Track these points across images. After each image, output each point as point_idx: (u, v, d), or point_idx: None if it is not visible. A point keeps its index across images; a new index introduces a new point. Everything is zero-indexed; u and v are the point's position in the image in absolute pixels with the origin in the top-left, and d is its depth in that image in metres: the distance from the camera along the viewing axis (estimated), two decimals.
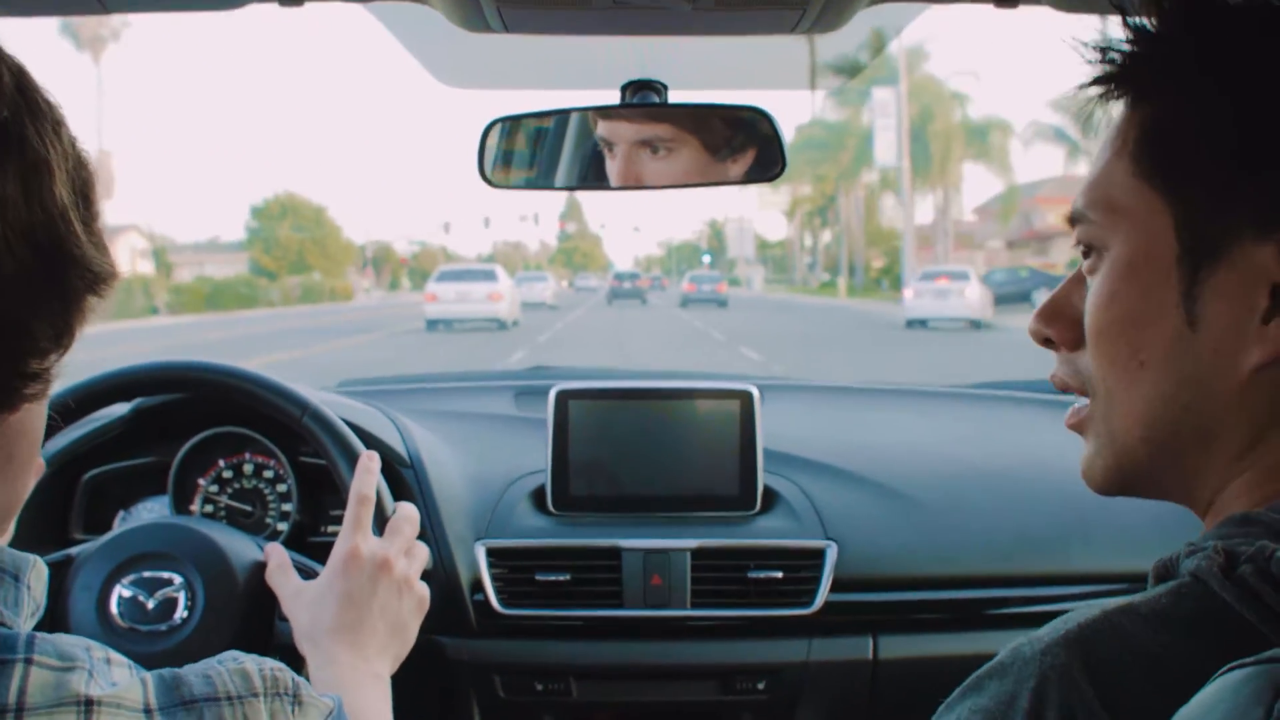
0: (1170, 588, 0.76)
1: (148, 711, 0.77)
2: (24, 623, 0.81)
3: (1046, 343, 0.94)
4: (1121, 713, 0.70)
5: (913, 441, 2.41)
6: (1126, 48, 0.85)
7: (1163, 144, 0.83)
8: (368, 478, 1.50)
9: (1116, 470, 0.89)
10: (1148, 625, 0.73)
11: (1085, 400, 0.91)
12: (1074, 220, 0.90)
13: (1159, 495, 0.90)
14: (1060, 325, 0.92)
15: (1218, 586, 0.73)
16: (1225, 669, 0.64)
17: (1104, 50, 0.85)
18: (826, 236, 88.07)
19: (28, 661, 0.74)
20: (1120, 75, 0.86)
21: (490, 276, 35.08)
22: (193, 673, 0.82)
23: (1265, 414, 0.80)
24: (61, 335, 0.79)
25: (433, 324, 33.20)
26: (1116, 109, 0.87)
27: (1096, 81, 0.87)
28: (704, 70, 1.72)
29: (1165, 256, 0.82)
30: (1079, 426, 0.92)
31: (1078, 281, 0.91)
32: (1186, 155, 0.82)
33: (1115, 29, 0.85)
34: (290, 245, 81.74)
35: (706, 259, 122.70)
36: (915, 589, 2.04)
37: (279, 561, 1.56)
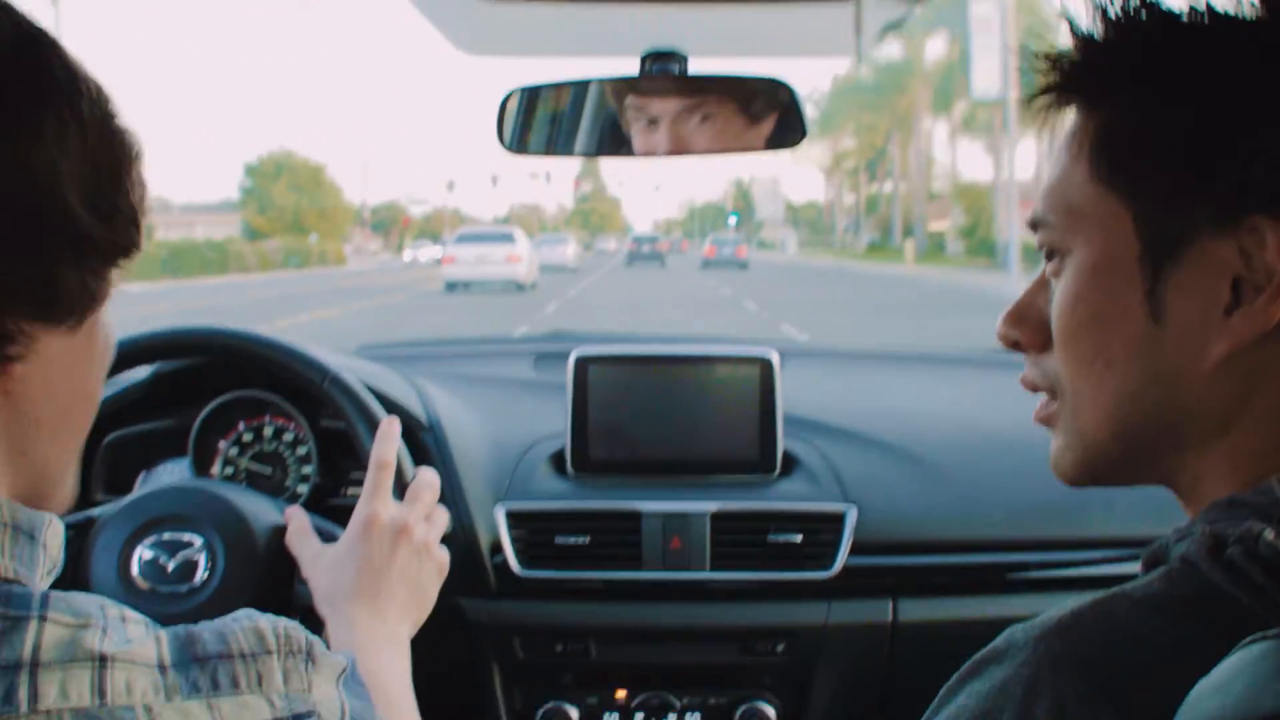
0: (1161, 573, 0.77)
1: (161, 668, 0.77)
2: (40, 580, 0.82)
3: (1014, 346, 0.96)
4: (1117, 697, 0.71)
5: (932, 406, 2.41)
6: (1075, 56, 0.86)
7: (1117, 147, 0.84)
8: (388, 443, 1.51)
9: (1087, 464, 0.91)
10: (1140, 610, 0.74)
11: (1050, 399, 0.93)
12: (1035, 225, 0.91)
13: (1133, 484, 0.92)
14: (1027, 329, 0.94)
15: (1207, 569, 0.74)
16: (1247, 641, 0.65)
17: (1053, 60, 0.87)
18: (875, 192, 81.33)
19: (42, 619, 0.74)
20: (1070, 83, 0.87)
21: (508, 239, 35.36)
22: (207, 630, 0.82)
23: (1233, 403, 0.82)
24: (43, 300, 0.81)
25: (451, 286, 33.73)
26: (1069, 114, 0.89)
27: (1048, 90, 0.88)
28: (727, 37, 1.71)
29: (1127, 257, 0.83)
30: (1047, 421, 0.94)
31: (1042, 285, 0.93)
32: (1141, 157, 0.83)
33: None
34: (286, 206, 79.16)
35: (733, 220, 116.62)
36: (934, 553, 2.04)
37: (299, 525, 1.57)
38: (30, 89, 0.78)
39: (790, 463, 2.12)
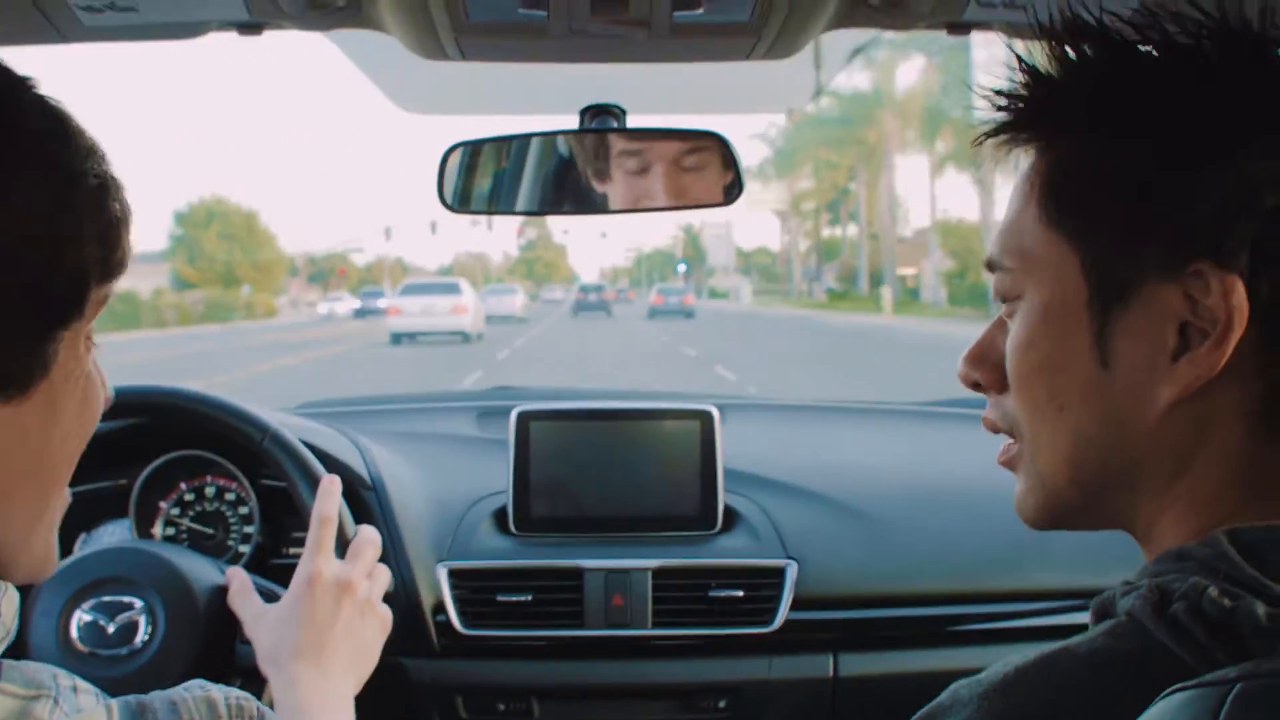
0: (1107, 627, 0.76)
1: None
2: None
3: (975, 386, 0.95)
4: None
5: (871, 460, 2.43)
6: (1027, 95, 0.86)
7: (1066, 190, 0.84)
8: (329, 500, 1.50)
9: (1049, 509, 0.90)
10: (1084, 667, 0.74)
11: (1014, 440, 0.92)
12: (990, 267, 0.91)
13: (1094, 528, 0.91)
14: (985, 369, 0.93)
15: (1152, 626, 0.73)
16: (1168, 691, 0.65)
17: (1008, 97, 0.87)
18: (837, 236, 76.72)
19: None
20: (1022, 123, 0.87)
21: (454, 290, 35.42)
22: (159, 700, 0.82)
23: (1184, 450, 0.81)
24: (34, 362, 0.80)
25: (397, 337, 33.40)
26: (1023, 156, 0.89)
27: (1001, 130, 0.88)
28: (664, 94, 1.73)
29: (1076, 300, 0.83)
30: (1009, 464, 0.93)
31: (1000, 326, 0.92)
32: (1089, 200, 0.82)
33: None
34: (217, 255, 74.48)
35: (682, 268, 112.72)
36: (875, 607, 2.05)
37: (241, 584, 1.56)
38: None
39: (731, 518, 2.12)
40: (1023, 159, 0.89)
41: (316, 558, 1.45)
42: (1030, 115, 0.86)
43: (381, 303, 54.64)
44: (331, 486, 1.53)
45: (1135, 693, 0.70)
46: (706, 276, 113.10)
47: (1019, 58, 0.85)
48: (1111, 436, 0.83)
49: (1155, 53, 0.83)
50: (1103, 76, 0.83)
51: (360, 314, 58.48)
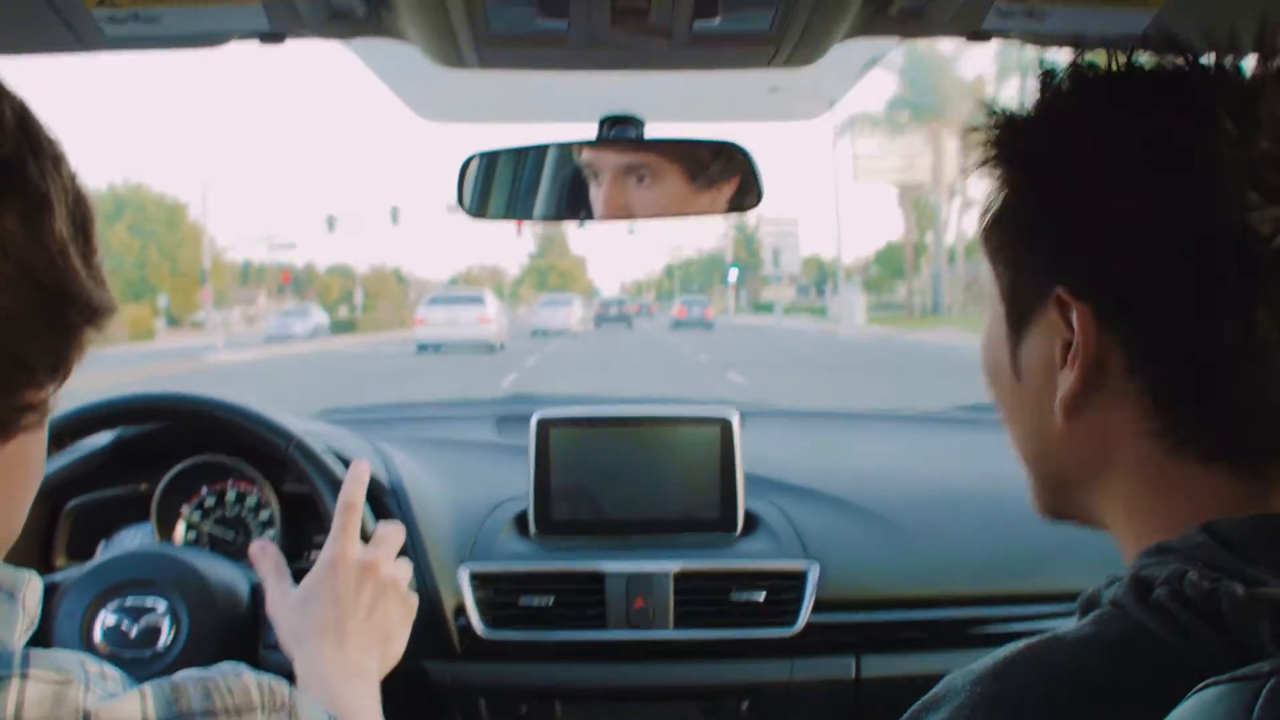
0: (1093, 617, 0.80)
1: None
2: (18, 639, 0.81)
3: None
4: None
5: (891, 464, 2.43)
6: (990, 133, 0.90)
7: (993, 221, 0.91)
8: (357, 485, 1.50)
9: (1040, 501, 0.96)
10: (1072, 653, 0.77)
11: None
12: None
13: (1085, 524, 0.95)
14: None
15: (1135, 611, 0.76)
16: (1200, 686, 0.66)
17: (976, 130, 0.91)
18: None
19: (24, 676, 0.73)
20: (988, 159, 0.91)
21: (478, 301, 36.31)
22: (192, 682, 0.82)
23: (1094, 460, 0.87)
24: (58, 368, 0.79)
25: (423, 347, 34.44)
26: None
27: (979, 163, 0.92)
28: (683, 103, 1.74)
29: (1001, 319, 0.91)
30: None
31: None
32: (1000, 229, 0.90)
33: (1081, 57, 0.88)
34: (126, 256, 59.17)
35: (734, 273, 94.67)
36: (896, 609, 2.05)
37: (275, 562, 1.54)
38: (38, 161, 0.76)
39: (752, 521, 2.13)
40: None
41: (342, 539, 1.45)
42: (993, 154, 0.91)
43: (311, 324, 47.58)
44: (359, 471, 1.53)
45: (1122, 674, 0.74)
46: (761, 286, 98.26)
47: (981, 100, 0.92)
48: (1039, 442, 0.91)
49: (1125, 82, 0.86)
50: (1027, 117, 0.89)
51: (273, 340, 45.32)
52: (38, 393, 0.78)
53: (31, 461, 0.84)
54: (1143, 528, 0.84)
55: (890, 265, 76.91)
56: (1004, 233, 0.90)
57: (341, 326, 56.88)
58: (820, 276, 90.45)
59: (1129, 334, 0.82)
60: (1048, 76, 0.88)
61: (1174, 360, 0.81)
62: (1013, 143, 0.89)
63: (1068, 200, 0.84)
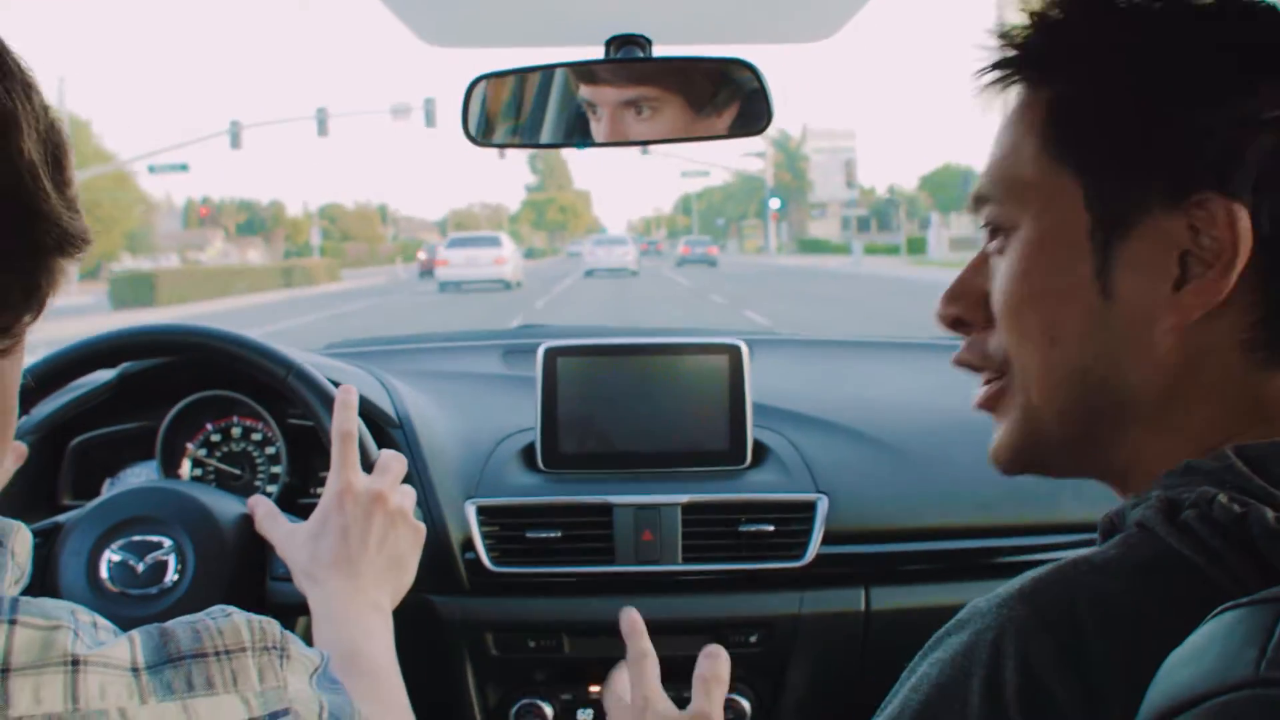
0: (1119, 539, 0.79)
1: (135, 670, 0.76)
2: (7, 588, 0.80)
3: (955, 324, 0.97)
4: (1078, 658, 0.72)
5: (901, 394, 2.42)
6: (1028, 33, 0.88)
7: (1070, 123, 0.86)
8: (347, 413, 1.50)
9: (1027, 448, 0.93)
10: (1100, 575, 0.76)
11: (990, 381, 0.95)
12: (979, 200, 0.92)
13: (1066, 472, 0.94)
14: (967, 305, 0.95)
15: (1163, 533, 0.76)
16: (1218, 610, 0.66)
17: (1005, 36, 0.88)
18: None
19: (12, 623, 0.73)
20: (1022, 60, 0.88)
21: (495, 242, 40.76)
22: (181, 627, 0.81)
23: (1178, 380, 0.84)
24: (31, 293, 0.78)
25: (444, 285, 38.85)
26: (1014, 92, 0.90)
27: (998, 66, 0.90)
28: (691, 23, 1.70)
29: (1077, 232, 0.85)
30: (989, 405, 0.96)
31: (981, 262, 0.95)
32: (1093, 132, 0.84)
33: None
34: None
35: (775, 204, 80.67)
36: (906, 540, 2.04)
37: (267, 509, 1.56)
38: (5, 83, 0.75)
39: (761, 453, 2.11)
40: (1013, 96, 0.91)
41: (344, 471, 1.45)
42: (1032, 54, 0.88)
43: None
44: (348, 397, 1.52)
45: (1150, 595, 0.74)
46: (807, 218, 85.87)
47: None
48: (1106, 368, 0.86)
49: None
50: (1109, 13, 0.85)
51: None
52: (10, 316, 0.77)
53: (5, 390, 0.83)
54: (1190, 453, 0.82)
55: (945, 191, 71.72)
56: (1094, 140, 0.85)
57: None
58: (879, 206, 79.92)
59: (1268, 240, 0.80)
60: None
61: None
62: (1117, 37, 0.84)
63: (1190, 96, 0.80)
